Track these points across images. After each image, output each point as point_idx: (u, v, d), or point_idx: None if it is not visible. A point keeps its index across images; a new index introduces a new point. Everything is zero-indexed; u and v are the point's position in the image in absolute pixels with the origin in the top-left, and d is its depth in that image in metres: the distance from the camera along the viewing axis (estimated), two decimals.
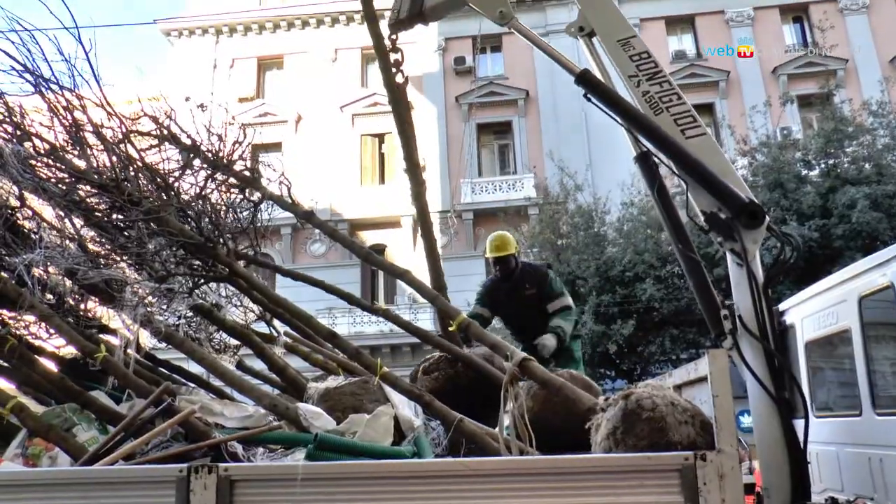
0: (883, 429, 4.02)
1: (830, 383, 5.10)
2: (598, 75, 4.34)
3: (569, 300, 6.16)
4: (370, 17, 5.12)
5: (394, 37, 5.07)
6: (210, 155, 4.49)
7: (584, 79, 4.22)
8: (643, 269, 16.93)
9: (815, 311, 4.81)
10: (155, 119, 4.39)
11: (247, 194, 4.79)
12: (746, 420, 6.38)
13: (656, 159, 4.14)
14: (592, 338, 16.69)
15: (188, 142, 4.48)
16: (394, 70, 4.99)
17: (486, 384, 4.07)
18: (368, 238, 27.41)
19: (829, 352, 4.92)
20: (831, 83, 21.81)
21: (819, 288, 4.80)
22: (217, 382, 4.60)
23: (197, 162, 4.48)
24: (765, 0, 28.27)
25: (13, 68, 3.90)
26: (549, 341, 5.63)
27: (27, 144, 3.96)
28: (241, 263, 4.73)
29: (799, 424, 3.62)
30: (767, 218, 3.82)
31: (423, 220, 5.22)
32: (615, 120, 4.19)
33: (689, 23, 29.04)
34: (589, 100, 4.23)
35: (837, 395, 4.97)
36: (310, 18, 30.48)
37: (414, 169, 5.10)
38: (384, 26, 5.06)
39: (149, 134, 4.40)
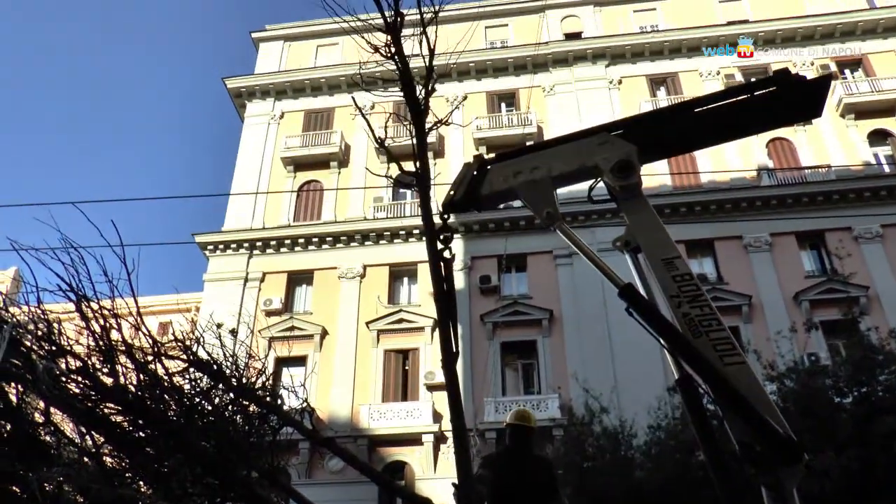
0: None
1: None
2: (641, 290, 4.37)
3: None
4: (428, 221, 5.39)
5: (447, 216, 5.26)
6: (234, 381, 4.54)
7: (626, 293, 4.21)
8: (674, 494, 16.15)
9: None
10: (183, 343, 4.49)
11: (268, 421, 4.79)
12: None
13: (698, 385, 3.99)
14: None
15: (214, 367, 4.55)
16: (442, 246, 5.28)
17: None
18: (389, 454, 26.76)
19: None
20: (854, 310, 21.79)
21: None
22: None
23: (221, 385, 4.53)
24: (781, 227, 28.94)
25: (60, 287, 4.06)
26: None
27: (60, 359, 4.02)
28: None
29: None
30: (806, 456, 3.68)
31: (453, 402, 5.07)
32: (654, 336, 4.11)
33: (708, 247, 29.66)
34: (630, 314, 4.20)
35: None
36: (340, 236, 31.76)
37: (449, 340, 5.09)
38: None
39: (177, 358, 4.48)
